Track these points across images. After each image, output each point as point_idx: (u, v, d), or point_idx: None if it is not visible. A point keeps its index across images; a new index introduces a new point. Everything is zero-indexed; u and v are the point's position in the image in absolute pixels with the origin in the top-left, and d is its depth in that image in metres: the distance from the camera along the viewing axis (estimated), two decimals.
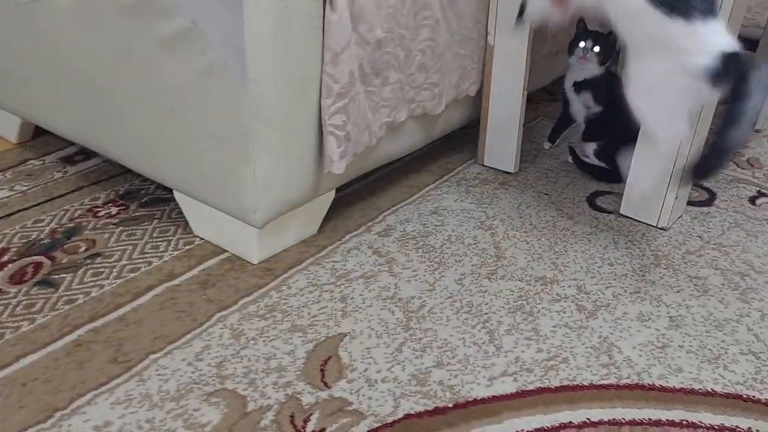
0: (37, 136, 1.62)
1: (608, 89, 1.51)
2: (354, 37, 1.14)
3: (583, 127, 1.61)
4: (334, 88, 1.12)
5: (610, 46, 1.49)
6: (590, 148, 1.58)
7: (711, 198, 1.52)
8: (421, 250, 1.27)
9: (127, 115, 1.22)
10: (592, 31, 1.50)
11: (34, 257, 1.19)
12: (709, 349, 1.05)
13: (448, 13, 1.35)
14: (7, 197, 1.37)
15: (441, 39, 1.35)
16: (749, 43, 2.56)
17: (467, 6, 1.39)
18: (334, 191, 1.31)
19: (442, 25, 1.34)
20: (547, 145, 1.70)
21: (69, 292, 1.10)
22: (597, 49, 1.47)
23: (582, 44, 1.48)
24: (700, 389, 0.97)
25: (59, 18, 1.24)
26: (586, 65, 1.50)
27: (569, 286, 1.19)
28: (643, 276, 1.23)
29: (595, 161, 1.59)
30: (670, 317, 1.12)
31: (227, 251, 1.23)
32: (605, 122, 1.55)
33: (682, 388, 0.98)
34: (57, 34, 1.26)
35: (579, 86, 1.55)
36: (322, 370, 0.97)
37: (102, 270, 1.16)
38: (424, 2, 1.28)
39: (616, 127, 1.53)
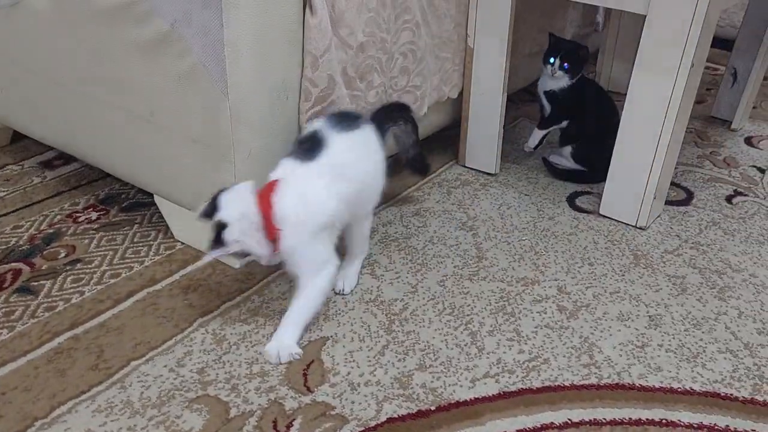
0: (16, 141, 1.60)
1: (580, 98, 1.55)
2: (335, 41, 1.14)
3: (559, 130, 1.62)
4: (314, 92, 1.12)
5: (581, 60, 1.51)
6: (567, 150, 1.60)
7: (688, 197, 1.54)
8: (403, 251, 1.28)
9: (105, 120, 1.22)
10: (564, 43, 1.52)
11: (12, 264, 1.18)
12: (688, 348, 1.07)
13: (428, 16, 1.35)
14: None
15: (421, 42, 1.35)
16: (725, 42, 2.59)
17: (447, 9, 1.40)
18: None
19: (422, 29, 1.34)
20: (533, 141, 1.67)
21: (49, 299, 1.09)
22: (566, 66, 1.50)
23: (552, 60, 1.51)
24: (679, 388, 0.99)
25: (36, 22, 1.22)
26: (557, 77, 1.52)
27: (550, 287, 1.20)
28: (623, 276, 1.24)
29: (573, 164, 1.60)
30: (650, 316, 1.14)
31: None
32: (580, 125, 1.57)
33: (662, 387, 0.99)
34: (34, 38, 1.25)
35: (548, 95, 1.57)
36: (304, 375, 0.97)
37: (82, 276, 1.15)
38: (405, 6, 1.28)
39: (591, 130, 1.55)
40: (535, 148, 1.64)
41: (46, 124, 1.36)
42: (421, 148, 1.35)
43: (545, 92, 1.58)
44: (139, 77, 1.11)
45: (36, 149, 1.57)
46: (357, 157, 1.09)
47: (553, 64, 1.50)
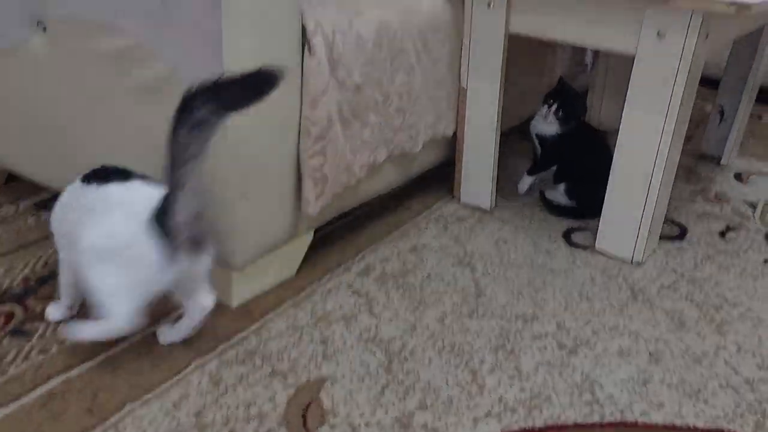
0: (10, 182, 1.60)
1: (571, 144, 1.58)
2: (332, 82, 1.15)
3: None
4: (313, 131, 1.13)
5: (577, 112, 1.55)
6: (560, 187, 1.61)
7: (682, 232, 1.55)
8: (401, 289, 1.27)
9: (103, 161, 1.22)
10: (567, 91, 1.55)
11: (5, 306, 1.16)
12: (689, 384, 1.06)
13: (422, 58, 1.37)
14: None
15: (416, 83, 1.37)
16: (712, 82, 2.64)
17: (441, 52, 1.42)
18: (312, 232, 1.31)
19: (417, 70, 1.36)
20: (522, 186, 1.69)
21: (42, 342, 1.08)
22: (560, 114, 1.53)
23: (549, 103, 1.54)
24: (682, 425, 0.98)
25: (35, 66, 1.23)
26: (550, 122, 1.55)
27: (549, 323, 1.20)
28: (621, 311, 1.24)
29: (567, 200, 1.61)
30: (650, 352, 1.13)
31: None
32: (572, 165, 1.59)
33: (665, 424, 0.98)
34: (33, 81, 1.26)
35: (539, 138, 1.61)
36: (303, 416, 0.96)
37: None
38: (400, 48, 1.30)
39: (583, 169, 1.57)
40: (528, 191, 1.67)
41: (42, 166, 1.36)
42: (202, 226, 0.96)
43: (537, 134, 1.61)
44: (139, 120, 1.11)
45: (31, 190, 1.57)
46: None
47: (549, 108, 1.53)
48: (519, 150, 1.98)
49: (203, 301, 1.02)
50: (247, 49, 0.98)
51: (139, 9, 1.02)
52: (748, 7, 1.05)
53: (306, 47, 1.08)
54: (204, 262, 0.98)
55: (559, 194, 1.63)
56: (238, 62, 0.98)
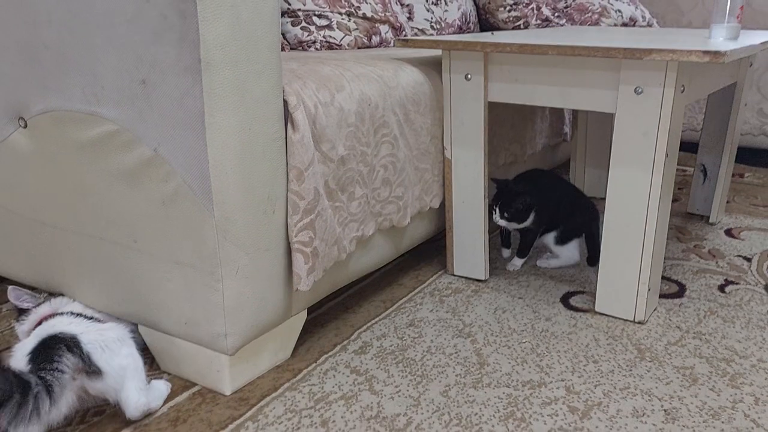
0: None
1: (542, 214, 1.58)
2: (317, 155, 1.15)
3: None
4: (300, 204, 1.12)
5: (522, 211, 1.53)
6: (550, 239, 1.63)
7: (681, 289, 1.53)
8: (401, 364, 1.23)
9: (88, 254, 1.19)
10: (505, 192, 1.54)
11: None
12: None
13: (405, 129, 1.39)
14: None
15: (401, 154, 1.38)
16: (689, 145, 2.69)
17: (422, 123, 1.44)
18: (306, 312, 1.27)
19: (400, 141, 1.37)
20: (511, 265, 1.66)
21: None
22: (506, 215, 1.53)
23: (496, 217, 1.55)
24: None
25: (16, 161, 1.23)
26: (503, 223, 1.56)
27: (558, 388, 1.15)
28: (630, 371, 1.20)
29: (560, 253, 1.63)
30: (665, 410, 1.08)
31: (197, 384, 1.16)
32: (552, 217, 1.61)
33: None
34: (14, 177, 1.25)
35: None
36: None
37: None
38: (382, 120, 1.32)
39: (563, 218, 1.61)
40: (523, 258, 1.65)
41: (26, 264, 1.33)
42: None
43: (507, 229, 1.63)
44: (123, 205, 1.10)
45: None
46: None
47: (495, 219, 1.55)
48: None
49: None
50: (229, 126, 0.98)
51: (119, 94, 1.02)
52: (722, 54, 1.08)
53: (289, 122, 1.09)
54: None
55: (552, 255, 1.63)
56: (220, 139, 0.98)
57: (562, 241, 1.62)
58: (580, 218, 1.63)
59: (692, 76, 1.27)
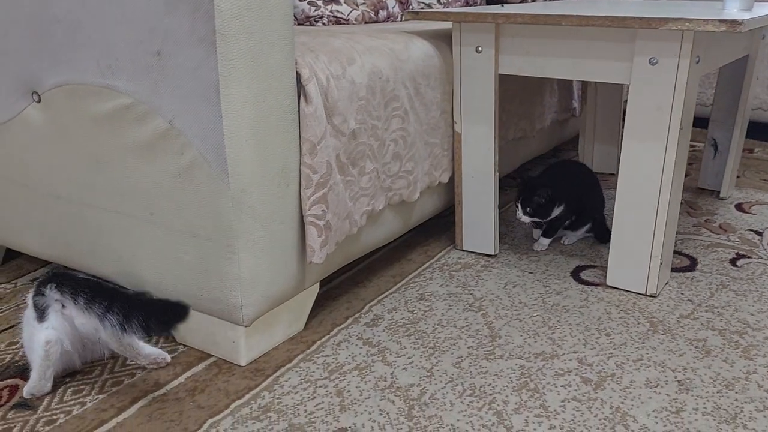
0: (8, 261, 1.57)
1: (568, 201, 1.56)
2: (329, 129, 1.15)
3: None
4: (313, 178, 1.12)
5: (545, 206, 1.52)
6: (581, 231, 1.65)
7: (693, 263, 1.53)
8: (413, 336, 1.24)
9: (104, 227, 1.20)
10: (528, 188, 1.52)
11: (8, 380, 1.11)
12: (725, 410, 1.02)
13: (415, 103, 1.38)
14: None
15: (411, 128, 1.38)
16: (699, 120, 2.68)
17: (433, 96, 1.43)
18: (318, 285, 1.28)
19: (410, 115, 1.37)
20: (539, 245, 1.63)
21: (48, 413, 1.03)
22: (528, 211, 1.52)
23: (519, 213, 1.54)
24: None
25: (31, 135, 1.23)
26: (528, 219, 1.55)
27: (570, 360, 1.16)
28: (643, 343, 1.20)
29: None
30: (679, 381, 1.09)
31: (213, 356, 1.17)
32: (579, 209, 1.60)
33: None
34: (29, 152, 1.25)
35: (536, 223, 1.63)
36: None
37: (83, 387, 1.09)
38: (393, 94, 1.31)
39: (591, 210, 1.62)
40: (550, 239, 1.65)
41: (41, 239, 1.34)
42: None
43: (535, 222, 1.62)
44: (138, 178, 1.10)
45: (29, 267, 1.54)
46: None
47: (519, 210, 1.54)
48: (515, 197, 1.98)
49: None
50: (244, 97, 0.98)
51: (133, 66, 1.02)
52: (739, 23, 1.07)
53: (302, 94, 1.09)
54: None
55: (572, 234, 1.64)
56: (235, 111, 0.98)
57: (574, 227, 1.62)
58: (593, 206, 1.62)
59: (707, 47, 1.26)
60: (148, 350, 1.11)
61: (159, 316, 1.01)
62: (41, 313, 1.04)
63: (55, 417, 1.02)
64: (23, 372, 1.13)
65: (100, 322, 1.01)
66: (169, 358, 1.14)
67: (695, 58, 1.20)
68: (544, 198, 1.50)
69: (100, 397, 1.06)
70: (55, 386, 1.09)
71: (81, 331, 1.05)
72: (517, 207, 1.53)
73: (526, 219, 1.53)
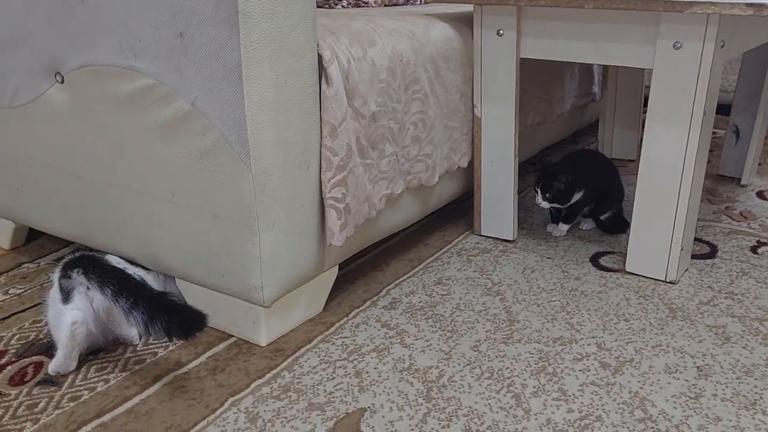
0: (31, 241, 1.59)
1: (588, 188, 1.55)
2: (350, 112, 1.15)
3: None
4: (334, 160, 1.12)
5: (565, 191, 1.51)
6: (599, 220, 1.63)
7: (713, 250, 1.52)
8: (430, 320, 1.24)
9: (125, 208, 1.21)
10: (547, 174, 1.51)
11: (33, 357, 1.13)
12: (744, 396, 1.02)
13: (435, 86, 1.38)
14: (2, 301, 1.33)
15: (431, 112, 1.37)
16: (720, 107, 2.65)
17: (453, 80, 1.43)
18: (337, 267, 1.28)
19: (430, 98, 1.37)
20: (558, 231, 1.63)
21: (73, 389, 1.04)
22: (548, 196, 1.51)
23: (538, 198, 1.53)
24: None
25: (54, 116, 1.24)
26: (547, 205, 1.54)
27: (589, 345, 1.16)
28: (662, 329, 1.20)
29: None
30: (698, 367, 1.09)
31: (234, 336, 1.19)
32: (598, 196, 1.59)
33: None
34: (52, 132, 1.27)
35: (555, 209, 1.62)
36: None
37: (106, 365, 1.11)
38: (414, 77, 1.31)
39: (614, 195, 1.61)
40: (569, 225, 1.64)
41: (63, 219, 1.36)
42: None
43: (554, 209, 1.61)
44: (160, 159, 1.11)
45: (51, 247, 1.56)
46: None
47: (538, 195, 1.53)
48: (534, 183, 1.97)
49: None
50: (266, 79, 0.99)
51: (156, 47, 1.03)
52: (766, 7, 1.05)
53: (323, 77, 1.09)
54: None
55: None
56: (257, 92, 0.98)
57: (593, 215, 1.61)
58: (612, 198, 1.60)
59: (732, 31, 1.24)
60: (130, 332, 1.14)
61: (181, 322, 1.02)
62: (66, 294, 1.05)
63: (79, 393, 1.03)
64: (48, 350, 1.14)
65: (125, 316, 1.03)
66: (137, 340, 1.17)
67: (720, 43, 1.19)
68: (564, 184, 1.49)
69: (123, 374, 1.08)
70: (79, 364, 1.10)
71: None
72: (537, 192, 1.53)
73: (545, 204, 1.53)
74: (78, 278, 1.06)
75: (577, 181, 1.51)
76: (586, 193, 1.54)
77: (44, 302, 1.19)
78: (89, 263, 1.07)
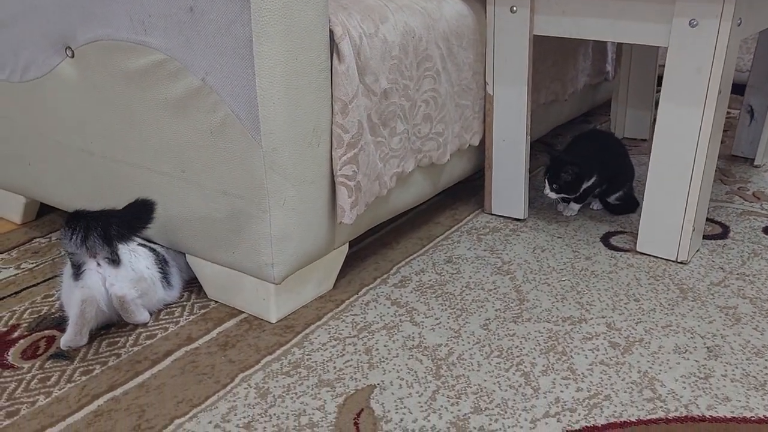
0: (42, 216, 1.60)
1: (600, 172, 1.54)
2: (361, 88, 1.14)
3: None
4: (345, 138, 1.12)
5: (572, 182, 1.49)
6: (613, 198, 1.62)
7: (724, 231, 1.51)
8: (440, 298, 1.24)
9: (135, 183, 1.21)
10: (554, 163, 1.50)
11: (45, 331, 1.15)
12: (754, 377, 1.01)
13: (447, 64, 1.37)
14: (14, 275, 1.34)
15: (442, 89, 1.36)
16: (735, 87, 2.61)
17: (465, 57, 1.41)
18: (347, 245, 1.29)
19: (442, 76, 1.35)
20: (569, 210, 1.62)
21: (85, 363, 1.06)
22: (555, 187, 1.49)
23: (546, 189, 1.51)
24: (753, 417, 0.93)
25: (65, 92, 1.24)
26: (556, 195, 1.53)
27: (598, 324, 1.16)
28: (672, 309, 1.20)
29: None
30: (708, 348, 1.09)
31: (244, 312, 1.19)
32: (609, 177, 1.58)
33: (734, 417, 0.93)
34: (63, 107, 1.26)
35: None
36: (355, 424, 0.92)
37: (117, 339, 1.12)
38: (426, 54, 1.29)
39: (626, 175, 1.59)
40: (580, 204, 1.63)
41: (74, 194, 1.36)
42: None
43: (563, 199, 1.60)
44: (171, 135, 1.11)
45: (62, 221, 1.57)
46: None
47: (546, 186, 1.51)
48: (545, 162, 1.96)
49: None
50: (277, 54, 0.98)
51: (166, 22, 1.02)
52: None
53: (334, 53, 1.08)
54: None
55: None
56: (268, 68, 0.97)
57: (601, 196, 1.60)
58: (623, 178, 1.59)
59: (749, 9, 1.22)
60: (142, 315, 1.14)
61: (120, 222, 1.05)
62: (77, 270, 1.06)
63: (91, 367, 1.05)
64: (60, 324, 1.16)
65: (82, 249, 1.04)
66: (149, 321, 1.17)
67: (737, 21, 1.17)
68: (571, 175, 1.48)
69: (135, 349, 1.09)
70: (91, 338, 1.12)
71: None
72: (545, 183, 1.52)
73: (553, 195, 1.52)
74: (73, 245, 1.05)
75: (585, 170, 1.50)
76: (596, 179, 1.52)
77: (56, 277, 1.20)
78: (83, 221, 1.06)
